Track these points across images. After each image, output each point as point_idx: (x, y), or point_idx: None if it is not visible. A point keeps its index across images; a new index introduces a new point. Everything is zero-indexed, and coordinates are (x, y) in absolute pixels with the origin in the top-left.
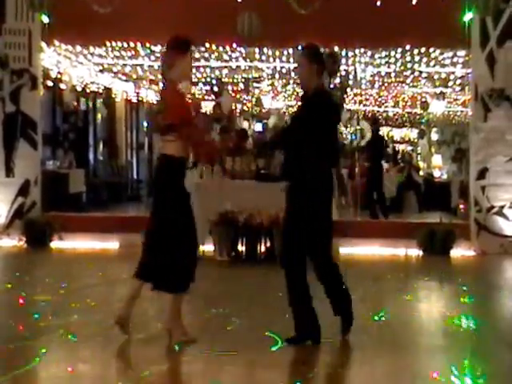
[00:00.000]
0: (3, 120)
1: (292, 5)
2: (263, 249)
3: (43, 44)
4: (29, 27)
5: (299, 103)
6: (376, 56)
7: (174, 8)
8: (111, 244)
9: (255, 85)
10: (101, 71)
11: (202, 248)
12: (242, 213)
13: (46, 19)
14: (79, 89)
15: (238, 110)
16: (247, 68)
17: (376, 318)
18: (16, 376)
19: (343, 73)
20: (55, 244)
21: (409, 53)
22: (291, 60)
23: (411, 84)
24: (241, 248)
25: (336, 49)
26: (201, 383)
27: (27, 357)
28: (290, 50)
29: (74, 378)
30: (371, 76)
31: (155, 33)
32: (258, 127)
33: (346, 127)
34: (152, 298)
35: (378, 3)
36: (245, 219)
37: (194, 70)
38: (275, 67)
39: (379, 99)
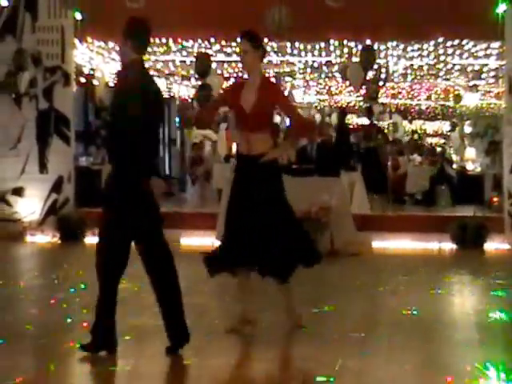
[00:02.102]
0: (37, 117)
1: None
2: None
3: (76, 40)
4: (61, 24)
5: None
6: (408, 49)
7: (206, 3)
8: None
9: (287, 79)
10: None
11: None
12: None
13: (78, 16)
14: (112, 85)
15: None
16: (279, 62)
17: (408, 311)
18: (53, 371)
19: (376, 66)
20: (89, 240)
21: (442, 45)
22: (323, 54)
23: (444, 77)
24: None
25: (368, 42)
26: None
27: (60, 353)
28: (322, 44)
29: (107, 374)
30: (404, 69)
31: (186, 28)
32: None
33: (379, 121)
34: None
35: None
36: None
37: (225, 65)
38: (307, 61)
39: (412, 92)
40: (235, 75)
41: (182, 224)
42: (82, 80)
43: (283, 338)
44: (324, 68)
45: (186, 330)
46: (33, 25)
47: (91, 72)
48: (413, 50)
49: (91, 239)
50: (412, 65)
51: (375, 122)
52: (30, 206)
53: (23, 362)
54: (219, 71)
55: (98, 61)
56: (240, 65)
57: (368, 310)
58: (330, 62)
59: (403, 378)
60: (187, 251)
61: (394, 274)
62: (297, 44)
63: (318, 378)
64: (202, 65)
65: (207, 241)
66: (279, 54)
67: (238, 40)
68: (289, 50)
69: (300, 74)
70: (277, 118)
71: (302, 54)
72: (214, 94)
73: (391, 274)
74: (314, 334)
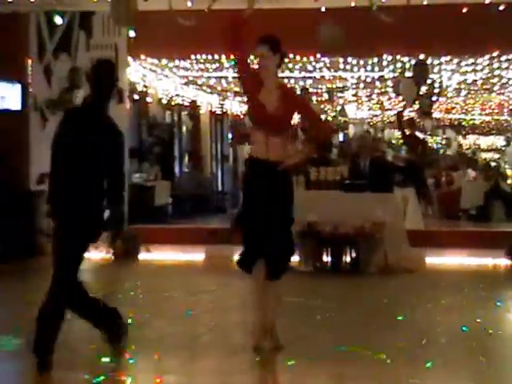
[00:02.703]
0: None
1: (375, 14)
2: (348, 259)
3: (129, 58)
4: (115, 42)
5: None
6: (462, 63)
7: (258, 20)
8: (197, 256)
9: (339, 94)
10: (186, 84)
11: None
12: (327, 223)
13: (131, 33)
14: (164, 102)
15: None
16: (331, 78)
17: (464, 328)
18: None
19: (429, 81)
20: (142, 256)
21: (496, 59)
22: (376, 69)
23: (498, 91)
24: (326, 259)
25: (421, 57)
26: None
27: (115, 365)
28: (375, 59)
29: None
30: (457, 84)
31: None
32: (341, 137)
33: (432, 136)
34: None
35: (464, 10)
36: (330, 230)
37: None
38: (359, 77)
39: (465, 107)
40: None
41: (234, 240)
42: (136, 97)
43: (327, 353)
44: (377, 83)
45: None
46: (87, 43)
47: (144, 89)
48: (467, 65)
49: (144, 255)
50: (466, 79)
51: (416, 135)
52: None
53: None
54: None
55: (151, 78)
56: (291, 81)
57: (425, 326)
58: (383, 77)
59: None
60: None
61: (449, 290)
62: (349, 59)
63: None
64: None
65: None
66: (332, 70)
67: (258, 46)
68: (341, 66)
69: (352, 89)
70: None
71: (355, 69)
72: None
73: (446, 290)
74: (366, 352)
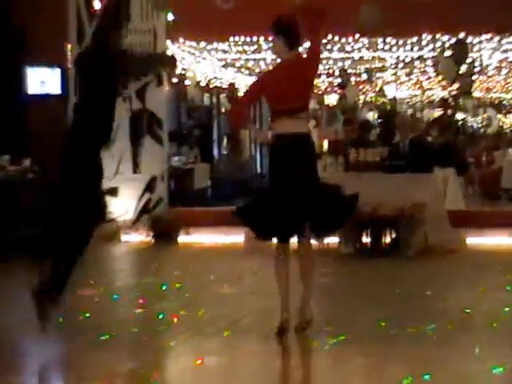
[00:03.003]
0: (130, 117)
1: None
2: (388, 240)
3: (168, 42)
4: (154, 26)
5: None
6: (503, 41)
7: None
8: (237, 238)
9: (378, 75)
10: (224, 66)
11: (326, 240)
12: (367, 205)
13: (170, 17)
14: (203, 84)
15: (361, 101)
16: (370, 58)
17: (506, 309)
18: (147, 366)
19: (469, 60)
20: (182, 239)
21: None
22: (415, 49)
23: None
24: (366, 240)
25: (461, 36)
26: (323, 377)
27: (157, 348)
28: (414, 39)
29: (203, 370)
30: (498, 62)
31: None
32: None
33: (473, 115)
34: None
35: None
36: (369, 211)
37: None
38: (398, 57)
39: (506, 86)
40: (326, 73)
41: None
42: (174, 80)
43: (367, 334)
44: (416, 63)
45: None
46: (126, 28)
47: (183, 72)
48: (508, 43)
49: (184, 238)
50: (507, 57)
51: (449, 114)
52: (123, 206)
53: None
54: None
55: (189, 61)
56: (330, 62)
57: (467, 306)
58: (422, 56)
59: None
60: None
61: (490, 270)
62: (388, 39)
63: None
64: None
65: None
66: (370, 50)
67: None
68: (380, 46)
69: (391, 69)
70: (368, 115)
71: (394, 49)
72: None
73: (487, 270)
74: (407, 332)
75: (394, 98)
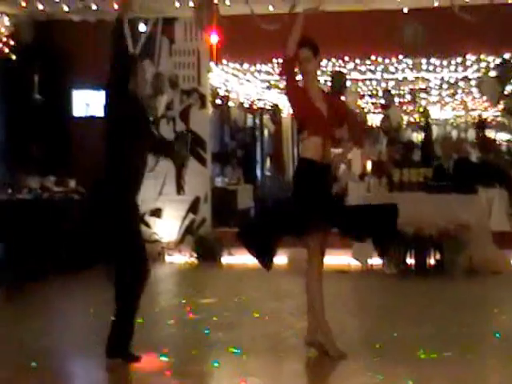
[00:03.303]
0: (174, 138)
1: (458, 13)
2: (432, 261)
3: (211, 63)
4: (197, 47)
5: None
6: None
7: (339, 22)
8: (280, 259)
9: (422, 95)
10: (267, 88)
11: (370, 261)
12: (411, 225)
13: (214, 39)
14: (246, 106)
15: (405, 122)
16: (413, 79)
17: None
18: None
19: None
20: (225, 259)
21: None
22: (459, 69)
23: None
24: (409, 261)
25: (506, 56)
26: None
27: (199, 368)
28: (458, 60)
29: None
30: None
31: (321, 48)
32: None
33: None
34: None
35: None
36: (414, 232)
37: (360, 83)
38: (442, 77)
39: None
40: (369, 93)
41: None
42: (218, 102)
43: (412, 357)
44: (460, 83)
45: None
46: (170, 49)
47: (226, 94)
48: None
49: (228, 259)
50: None
51: (487, 136)
52: (167, 227)
53: None
54: (353, 90)
55: (233, 83)
56: (373, 82)
57: None
58: (467, 77)
59: None
60: (324, 270)
61: None
62: (432, 60)
63: None
64: (339, 82)
65: (343, 260)
66: (414, 71)
67: (301, 49)
68: (424, 67)
69: (435, 90)
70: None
71: (438, 69)
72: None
73: None
74: (455, 355)
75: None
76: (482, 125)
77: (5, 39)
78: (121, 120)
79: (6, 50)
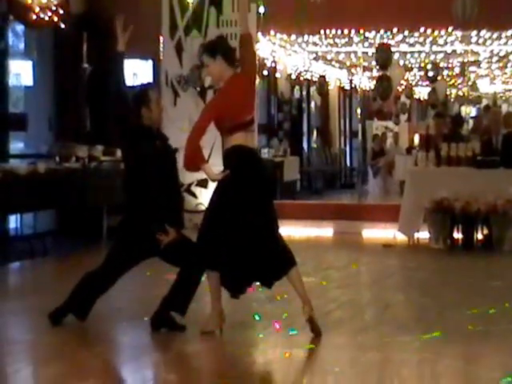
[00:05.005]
0: None
1: None
2: (480, 236)
3: (259, 34)
4: None
5: None
6: None
7: None
8: (326, 231)
9: (471, 69)
10: (315, 59)
11: (416, 235)
12: (459, 200)
13: (261, 9)
14: (293, 77)
15: (453, 95)
16: (463, 52)
17: None
18: (235, 356)
19: None
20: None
21: None
22: (509, 42)
23: None
24: (457, 236)
25: None
26: (413, 373)
27: (244, 340)
28: (509, 32)
29: (291, 362)
30: None
31: (369, 19)
32: (473, 112)
33: None
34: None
35: None
36: (461, 206)
37: (408, 56)
38: (492, 50)
39: None
40: (418, 66)
41: (364, 216)
42: (265, 73)
43: (458, 332)
44: (510, 57)
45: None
46: (217, 19)
47: (273, 65)
48: None
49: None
50: None
51: None
52: None
53: None
54: (401, 62)
55: (280, 54)
56: (422, 55)
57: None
58: None
59: None
60: (369, 243)
61: None
62: (482, 32)
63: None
64: (384, 56)
65: (389, 233)
66: (463, 44)
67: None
68: (474, 39)
69: (485, 63)
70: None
71: (488, 42)
72: (394, 86)
73: None
74: (498, 331)
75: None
76: None
77: (54, 8)
78: (140, 164)
79: (56, 19)
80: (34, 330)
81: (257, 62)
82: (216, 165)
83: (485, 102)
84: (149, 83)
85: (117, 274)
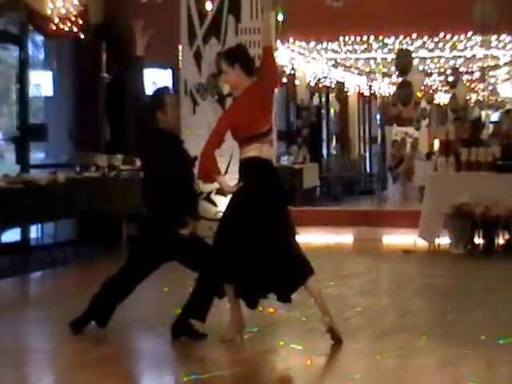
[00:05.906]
0: None
1: None
2: (501, 241)
3: (278, 41)
4: None
5: None
6: None
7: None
8: (345, 238)
9: (491, 73)
10: (334, 66)
11: (437, 240)
12: (479, 205)
13: (280, 17)
14: (312, 84)
15: (473, 100)
16: (483, 56)
17: None
18: (255, 363)
19: None
20: None
21: None
22: None
23: None
24: (477, 241)
25: None
26: (434, 379)
27: (265, 347)
28: None
29: (312, 369)
30: None
31: (388, 25)
32: (495, 117)
33: None
34: None
35: None
36: (481, 211)
37: (428, 62)
38: None
39: None
40: (437, 71)
41: (384, 222)
42: (284, 80)
43: (478, 341)
44: None
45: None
46: (236, 27)
47: (292, 72)
48: None
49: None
50: None
51: None
52: None
53: None
54: (421, 68)
55: (299, 61)
56: (442, 60)
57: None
58: None
59: None
60: (389, 249)
61: None
62: (502, 37)
63: None
64: (404, 61)
65: (410, 239)
66: (483, 48)
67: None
68: (494, 44)
69: (505, 67)
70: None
71: (508, 46)
72: (414, 92)
73: None
74: None
75: None
76: None
77: (73, 18)
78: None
79: (75, 29)
80: (56, 339)
81: (278, 74)
82: (234, 173)
83: (507, 106)
84: (165, 87)
85: (136, 279)
